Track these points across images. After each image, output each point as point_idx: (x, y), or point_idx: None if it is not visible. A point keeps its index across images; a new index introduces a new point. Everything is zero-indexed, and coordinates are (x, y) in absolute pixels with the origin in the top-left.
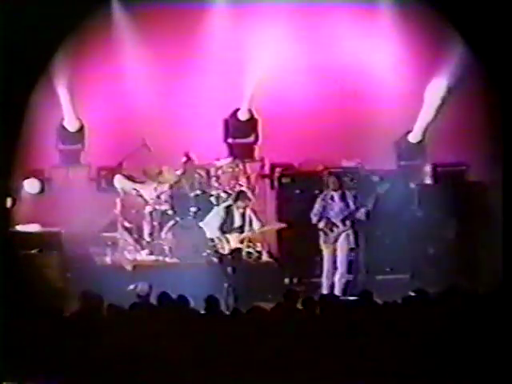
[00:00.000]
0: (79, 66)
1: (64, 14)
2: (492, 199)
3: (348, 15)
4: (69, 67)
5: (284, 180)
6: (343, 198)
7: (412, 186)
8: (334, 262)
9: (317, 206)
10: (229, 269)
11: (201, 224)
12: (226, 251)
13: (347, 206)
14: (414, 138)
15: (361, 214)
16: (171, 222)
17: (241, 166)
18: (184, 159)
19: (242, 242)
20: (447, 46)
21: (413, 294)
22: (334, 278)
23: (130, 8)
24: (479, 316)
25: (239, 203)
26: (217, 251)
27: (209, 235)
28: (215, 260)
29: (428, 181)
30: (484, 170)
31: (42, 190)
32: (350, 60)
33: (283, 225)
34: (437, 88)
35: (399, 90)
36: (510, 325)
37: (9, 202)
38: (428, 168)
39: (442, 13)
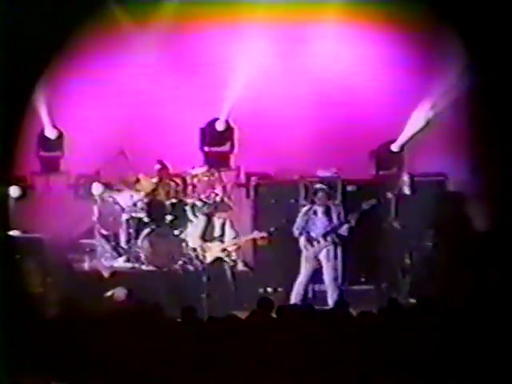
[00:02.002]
0: (58, 75)
1: (44, 26)
2: (470, 210)
3: (328, 23)
4: (48, 76)
5: (260, 189)
6: (327, 213)
7: (389, 195)
8: (312, 275)
9: (299, 221)
10: (204, 277)
11: (183, 236)
12: (208, 260)
13: (330, 221)
14: (396, 147)
15: (343, 230)
16: (147, 230)
17: (216, 175)
18: (158, 167)
19: (223, 250)
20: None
21: (386, 304)
22: (308, 288)
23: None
24: (454, 328)
25: (219, 213)
26: (198, 260)
27: (191, 244)
28: (191, 268)
29: (406, 191)
30: (463, 180)
31: (23, 196)
32: (327, 69)
33: (264, 234)
34: (432, 103)
35: (376, 98)
36: (483, 337)
37: None
38: (406, 178)
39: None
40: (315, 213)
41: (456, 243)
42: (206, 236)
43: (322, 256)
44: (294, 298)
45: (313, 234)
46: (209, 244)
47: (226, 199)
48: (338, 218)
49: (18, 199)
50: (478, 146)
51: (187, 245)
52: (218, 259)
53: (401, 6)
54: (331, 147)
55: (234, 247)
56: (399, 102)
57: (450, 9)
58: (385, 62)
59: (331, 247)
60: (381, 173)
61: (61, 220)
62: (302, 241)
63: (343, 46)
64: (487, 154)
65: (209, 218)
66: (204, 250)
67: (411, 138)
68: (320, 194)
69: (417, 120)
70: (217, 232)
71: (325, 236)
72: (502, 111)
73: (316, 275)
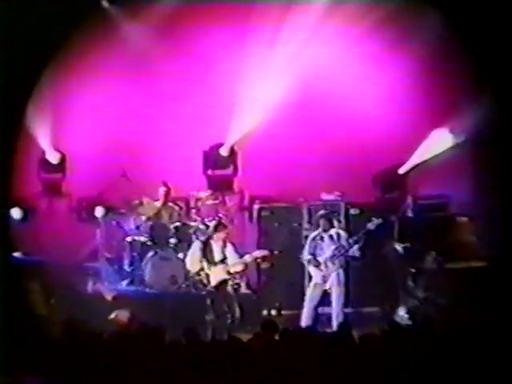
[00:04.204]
0: (60, 97)
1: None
2: (472, 233)
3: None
4: (50, 97)
5: (263, 213)
6: (334, 238)
7: (392, 218)
8: (319, 298)
9: (307, 248)
10: (208, 300)
11: (186, 261)
12: (213, 283)
13: (337, 245)
14: (403, 170)
15: (354, 251)
16: (150, 253)
17: (220, 198)
18: (163, 189)
19: (229, 273)
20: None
21: (389, 327)
22: (316, 311)
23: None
24: (455, 349)
25: (218, 235)
26: (202, 284)
27: (193, 270)
28: (194, 291)
29: (409, 213)
30: (465, 203)
31: (25, 219)
32: (332, 92)
33: (266, 252)
34: (449, 135)
35: (381, 121)
36: (485, 358)
37: None
38: (409, 200)
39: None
40: (322, 238)
41: (459, 266)
42: (207, 260)
43: (332, 281)
44: (305, 321)
45: (320, 259)
46: (213, 268)
47: (223, 220)
48: (347, 241)
49: (19, 221)
50: (481, 168)
51: (189, 270)
52: (223, 282)
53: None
54: (335, 170)
55: (240, 268)
56: (404, 126)
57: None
58: (393, 87)
59: (340, 271)
60: (385, 196)
61: (63, 243)
62: (311, 267)
63: (348, 68)
64: (490, 176)
65: (206, 242)
66: (208, 275)
67: (423, 162)
68: (322, 221)
69: (431, 145)
70: (218, 255)
71: (332, 260)
72: (506, 134)
73: (322, 298)
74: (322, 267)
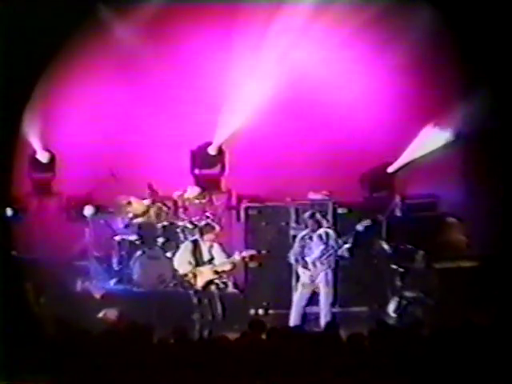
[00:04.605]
0: (51, 97)
1: (32, 46)
2: (462, 233)
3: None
4: (41, 98)
5: (251, 212)
6: (322, 237)
7: (380, 217)
8: (308, 298)
9: (295, 247)
10: (195, 299)
11: (174, 261)
12: (200, 284)
13: (326, 245)
14: (392, 169)
15: (343, 252)
16: (138, 252)
17: (207, 198)
18: (150, 187)
19: (216, 273)
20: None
21: (376, 326)
22: (304, 310)
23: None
24: (443, 350)
25: (206, 236)
26: (189, 284)
27: (182, 270)
28: (181, 290)
29: (397, 213)
30: (455, 202)
31: (16, 218)
32: (319, 91)
33: (253, 252)
34: (440, 133)
35: (369, 120)
36: (473, 359)
37: None
38: (397, 200)
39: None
40: (311, 238)
41: (448, 266)
42: (196, 260)
43: (320, 280)
44: (294, 321)
45: (308, 259)
46: (200, 268)
47: (210, 221)
48: (336, 241)
49: (11, 220)
50: (471, 168)
51: (177, 270)
52: (210, 282)
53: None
54: (322, 169)
55: (228, 267)
56: (393, 124)
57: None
58: (382, 85)
59: (329, 271)
60: (373, 195)
61: (53, 241)
62: (299, 266)
63: (336, 67)
64: (480, 176)
65: (195, 243)
66: (195, 275)
67: (413, 161)
68: (310, 221)
69: (421, 143)
70: (206, 256)
71: (321, 260)
72: (497, 133)
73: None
74: (310, 267)
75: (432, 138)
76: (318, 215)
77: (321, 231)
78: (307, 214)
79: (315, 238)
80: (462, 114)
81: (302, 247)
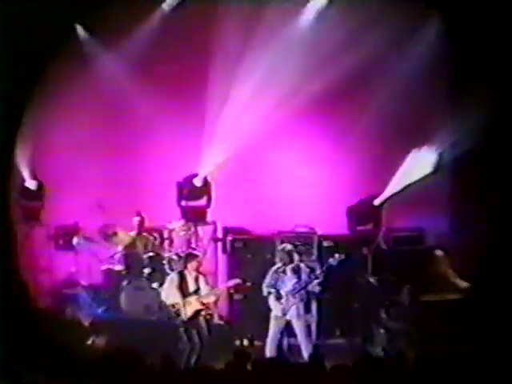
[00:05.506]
0: (40, 126)
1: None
2: (448, 265)
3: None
4: (29, 126)
5: (236, 244)
6: (295, 271)
7: (365, 251)
8: (283, 330)
9: (268, 279)
10: (181, 330)
11: (161, 293)
12: (188, 314)
13: (299, 278)
14: (378, 202)
15: (313, 287)
16: (125, 282)
17: (193, 229)
18: (137, 219)
19: (202, 304)
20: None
21: (361, 358)
22: (278, 342)
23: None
24: (429, 381)
25: (190, 265)
26: (176, 314)
27: (168, 302)
28: (168, 321)
29: (383, 246)
30: (441, 235)
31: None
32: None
33: (238, 280)
34: (424, 160)
35: (355, 154)
36: None
37: None
38: (383, 233)
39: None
40: (284, 271)
41: (434, 298)
42: (183, 291)
43: (291, 314)
44: (269, 352)
45: (282, 292)
46: (188, 299)
47: (192, 250)
48: (308, 275)
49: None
50: (458, 201)
51: (164, 302)
52: (197, 312)
53: None
54: (308, 202)
55: (213, 299)
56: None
57: None
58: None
59: (300, 305)
60: (359, 228)
61: (41, 269)
62: (271, 299)
63: (323, 95)
64: (466, 209)
65: (181, 274)
66: (183, 306)
67: (398, 192)
68: (281, 255)
69: (407, 171)
70: (192, 287)
71: (293, 294)
72: (483, 164)
73: (291, 329)
74: (283, 300)
75: (418, 165)
76: (289, 248)
77: (293, 265)
78: (280, 248)
79: (288, 271)
80: (448, 137)
81: (276, 280)
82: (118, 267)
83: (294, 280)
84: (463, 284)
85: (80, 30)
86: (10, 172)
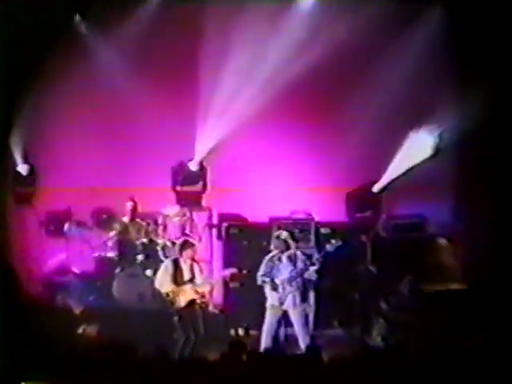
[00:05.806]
0: (32, 111)
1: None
2: (451, 254)
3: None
4: (22, 112)
5: (232, 230)
6: (291, 259)
7: (364, 239)
8: (280, 320)
9: (263, 267)
10: (175, 318)
11: (155, 281)
12: (182, 303)
13: (295, 266)
14: (377, 188)
15: (310, 274)
16: (118, 269)
17: (188, 215)
18: (130, 204)
19: (197, 292)
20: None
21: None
22: (275, 333)
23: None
24: (429, 373)
25: (185, 253)
26: (171, 303)
27: (163, 290)
28: (162, 309)
29: (382, 233)
30: (442, 223)
31: None
32: (302, 110)
33: (234, 270)
34: (424, 142)
35: (353, 139)
36: (459, 381)
37: None
38: (383, 220)
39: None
40: (280, 259)
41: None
42: (177, 280)
43: (288, 303)
44: (264, 343)
45: (277, 281)
46: (182, 287)
47: (189, 238)
48: (304, 263)
49: None
50: (461, 187)
51: (158, 290)
52: (191, 301)
53: None
54: (305, 189)
55: (208, 288)
56: (377, 142)
57: None
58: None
59: (297, 293)
60: (358, 215)
61: (33, 256)
62: (267, 288)
63: (321, 82)
64: (470, 196)
65: (176, 262)
66: (177, 295)
67: (397, 178)
68: (276, 242)
69: (403, 160)
70: (186, 275)
71: (290, 282)
72: (486, 154)
73: (288, 319)
74: (280, 289)
75: (418, 147)
76: (284, 235)
77: (289, 252)
78: (275, 235)
79: (284, 259)
80: (449, 120)
81: (271, 268)
82: (111, 254)
83: (290, 268)
84: (466, 274)
85: (77, 19)
86: (5, 158)
